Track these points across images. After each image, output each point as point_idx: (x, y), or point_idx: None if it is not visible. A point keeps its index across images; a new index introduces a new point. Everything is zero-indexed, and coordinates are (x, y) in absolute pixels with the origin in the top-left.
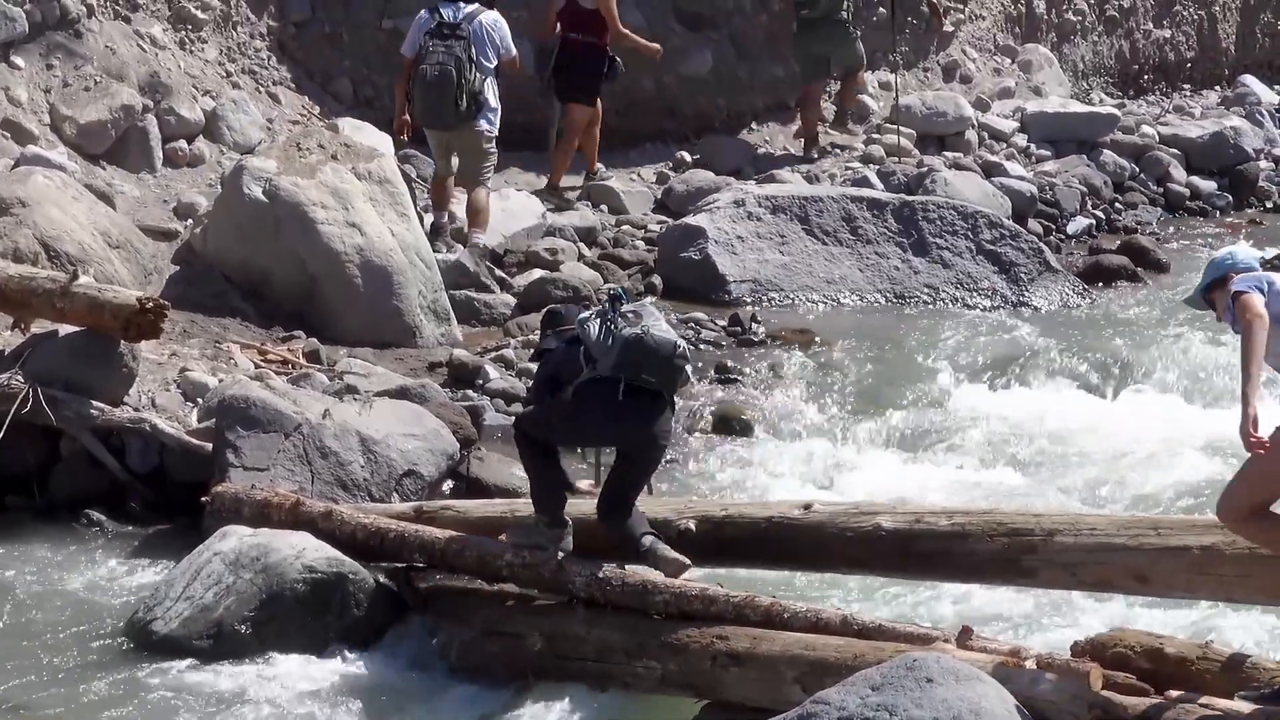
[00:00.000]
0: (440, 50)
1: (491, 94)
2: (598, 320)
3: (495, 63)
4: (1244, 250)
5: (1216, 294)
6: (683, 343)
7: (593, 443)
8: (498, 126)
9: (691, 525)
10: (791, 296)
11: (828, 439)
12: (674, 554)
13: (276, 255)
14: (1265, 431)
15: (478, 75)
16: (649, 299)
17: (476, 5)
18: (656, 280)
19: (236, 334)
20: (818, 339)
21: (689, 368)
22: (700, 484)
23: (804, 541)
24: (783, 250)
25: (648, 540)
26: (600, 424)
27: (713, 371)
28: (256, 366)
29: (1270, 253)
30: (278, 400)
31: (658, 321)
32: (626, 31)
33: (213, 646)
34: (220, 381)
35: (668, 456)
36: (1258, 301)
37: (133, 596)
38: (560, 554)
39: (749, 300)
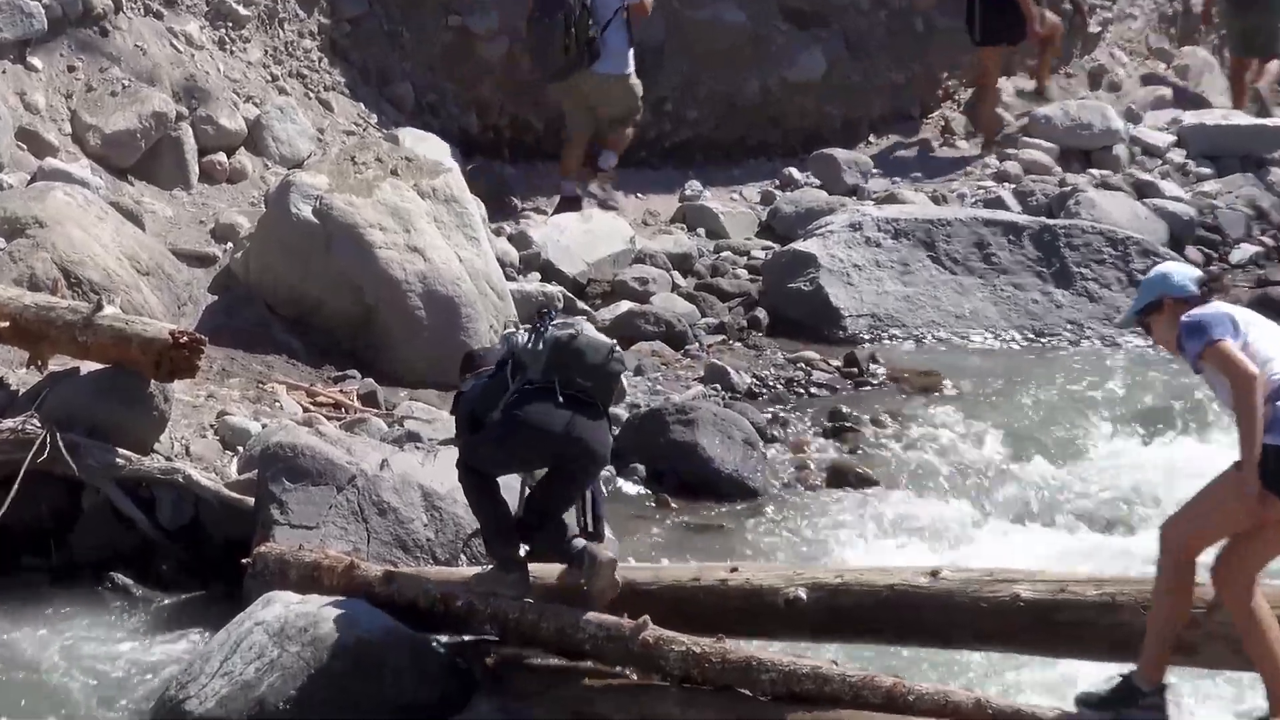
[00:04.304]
0: None
1: (615, 39)
2: (526, 331)
3: (621, 5)
4: (1179, 271)
5: (1153, 318)
6: (618, 346)
7: (527, 460)
8: (631, 68)
9: (801, 593)
10: (915, 333)
11: (957, 496)
12: (609, 555)
13: (328, 283)
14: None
15: (591, 20)
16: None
17: None
18: (761, 314)
19: (282, 373)
20: (946, 382)
21: (625, 376)
22: (811, 546)
23: (930, 612)
24: (905, 280)
25: (578, 543)
26: (533, 435)
27: (825, 419)
28: (305, 410)
29: (1203, 274)
30: (329, 449)
31: (591, 328)
32: None
33: None
34: (264, 427)
35: (770, 514)
36: (1242, 357)
37: (163, 672)
38: (522, 599)
39: (867, 337)
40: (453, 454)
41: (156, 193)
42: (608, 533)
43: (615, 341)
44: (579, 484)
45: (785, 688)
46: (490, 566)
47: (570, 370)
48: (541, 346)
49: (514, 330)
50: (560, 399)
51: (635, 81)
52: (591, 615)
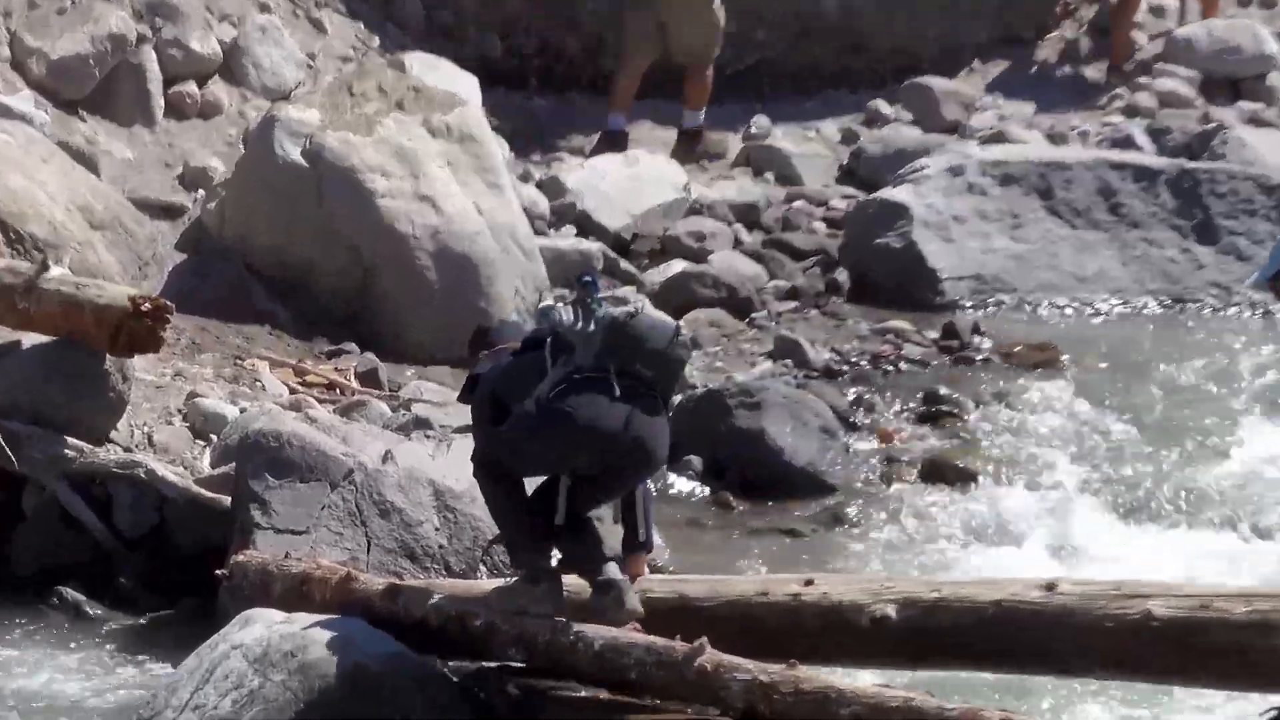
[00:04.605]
0: None
1: None
2: (570, 306)
3: None
4: None
5: None
6: (683, 328)
7: (568, 462)
8: None
9: (890, 611)
10: (1028, 299)
11: (1078, 494)
12: (636, 601)
13: (320, 239)
14: None
15: None
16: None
17: None
18: (841, 276)
19: (265, 347)
20: (1064, 358)
21: (690, 363)
22: (900, 555)
23: (1045, 633)
24: (1016, 236)
25: (612, 571)
26: (582, 434)
27: (919, 402)
28: (292, 391)
29: None
30: (321, 438)
31: (650, 306)
32: None
33: None
34: (242, 412)
35: (852, 516)
36: None
37: (121, 706)
38: (553, 618)
39: (969, 304)
40: (469, 445)
41: (113, 130)
42: (657, 539)
43: (680, 323)
44: (622, 488)
45: None
46: (515, 578)
47: (627, 357)
48: (593, 327)
49: (551, 304)
50: (616, 392)
51: (719, 7)
52: (639, 637)
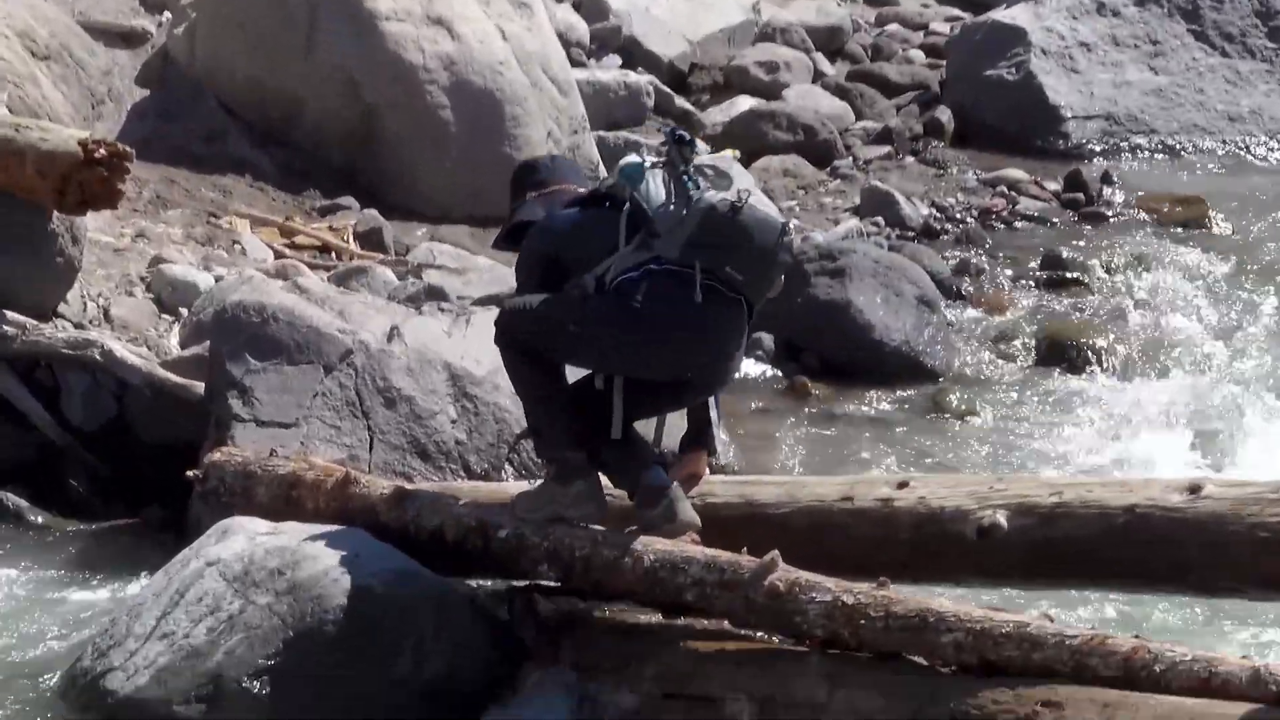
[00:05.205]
0: None
1: None
2: (662, 171)
3: None
4: None
5: None
6: (791, 225)
7: (633, 368)
8: None
9: (1000, 518)
10: (1169, 142)
11: (1224, 380)
12: (690, 510)
13: (311, 73)
14: None
15: None
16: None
17: None
18: (943, 116)
19: (244, 201)
20: (1213, 214)
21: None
22: (1012, 451)
23: (1187, 543)
24: (1155, 65)
25: (659, 477)
26: (657, 345)
27: (1037, 266)
28: (278, 255)
29: None
30: (313, 311)
31: (755, 188)
32: None
33: (206, 715)
34: (218, 280)
35: (955, 405)
36: None
37: (73, 633)
38: (589, 523)
39: (1098, 149)
40: (492, 319)
41: None
42: (721, 434)
43: (787, 219)
44: (686, 403)
45: (976, 654)
46: (544, 480)
47: (721, 255)
48: (686, 211)
49: (639, 161)
50: (698, 296)
51: None
52: (697, 551)
